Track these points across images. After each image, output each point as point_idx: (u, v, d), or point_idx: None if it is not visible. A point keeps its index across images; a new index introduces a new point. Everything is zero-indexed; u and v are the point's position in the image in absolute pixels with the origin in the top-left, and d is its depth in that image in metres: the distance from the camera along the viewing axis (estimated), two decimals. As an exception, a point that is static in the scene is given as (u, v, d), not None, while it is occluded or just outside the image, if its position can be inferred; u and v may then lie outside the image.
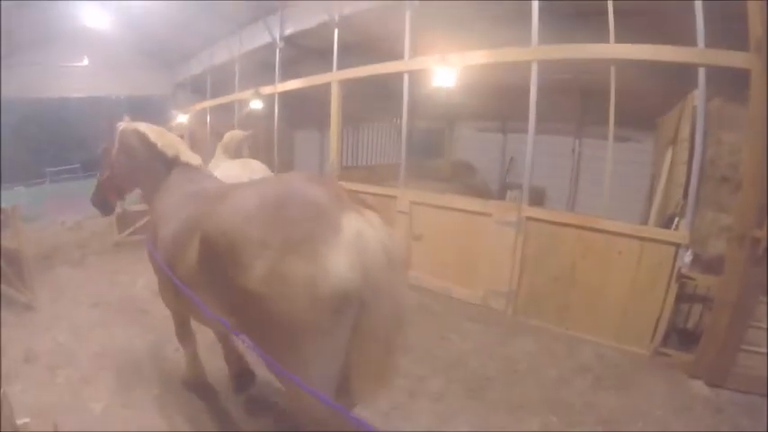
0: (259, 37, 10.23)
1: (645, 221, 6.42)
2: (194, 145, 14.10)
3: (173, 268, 2.87)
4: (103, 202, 4.27)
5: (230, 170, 6.35)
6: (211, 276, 2.45)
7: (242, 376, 4.06)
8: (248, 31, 10.75)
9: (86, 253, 8.59)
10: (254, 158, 7.22)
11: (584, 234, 5.23)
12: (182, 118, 14.07)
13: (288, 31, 9.41)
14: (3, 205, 6.47)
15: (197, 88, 14.67)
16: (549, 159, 7.95)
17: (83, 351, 5.00)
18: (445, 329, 5.32)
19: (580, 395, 4.13)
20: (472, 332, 5.31)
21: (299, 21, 8.99)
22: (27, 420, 3.65)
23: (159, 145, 3.72)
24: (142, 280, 6.46)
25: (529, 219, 5.57)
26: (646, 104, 7.36)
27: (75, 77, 14.71)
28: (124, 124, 3.98)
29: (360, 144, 13.76)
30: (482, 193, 9.81)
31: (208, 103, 13.45)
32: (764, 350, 4.28)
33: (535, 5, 5.48)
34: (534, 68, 5.52)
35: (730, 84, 4.82)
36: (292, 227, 2.09)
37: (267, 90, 9.92)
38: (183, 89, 15.98)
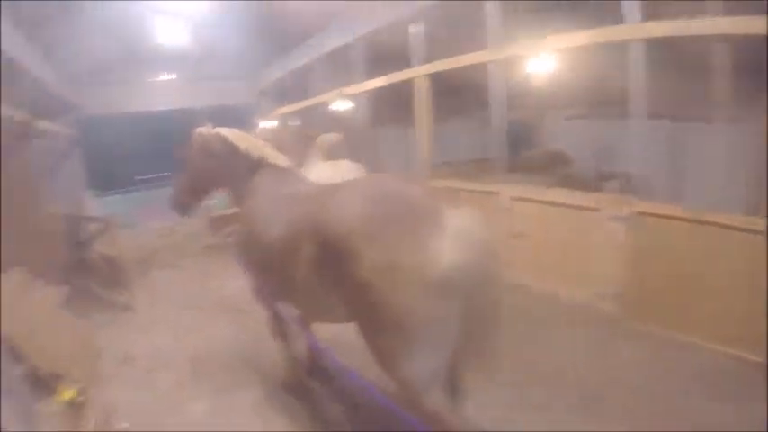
0: (337, 37, 10.29)
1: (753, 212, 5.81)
2: (281, 149, 14.45)
3: (281, 268, 3.01)
4: (182, 205, 4.35)
5: (322, 172, 6.27)
6: (325, 271, 2.61)
7: (314, 373, 4.29)
8: (326, 33, 10.81)
9: (180, 256, 8.89)
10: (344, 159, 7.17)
11: (697, 229, 4.67)
12: (267, 123, 14.43)
13: (365, 30, 9.34)
14: (101, 214, 6.81)
15: (279, 94, 14.94)
16: (646, 145, 7.43)
17: (180, 353, 5.14)
18: (549, 335, 4.97)
19: (695, 407, 3.69)
20: (578, 337, 4.91)
21: (376, 18, 8.89)
22: (127, 425, 3.76)
23: (242, 147, 3.80)
24: (235, 282, 6.44)
25: (640, 213, 5.02)
26: (753, 81, 6.71)
27: (161, 91, 15.99)
28: (203, 129, 4.05)
29: (444, 139, 13.49)
30: (579, 183, 9.31)
31: (291, 108, 13.62)
32: None
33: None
34: (637, 48, 5.03)
35: None
36: (401, 221, 2.29)
37: (351, 90, 9.88)
38: (265, 96, 16.35)
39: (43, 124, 9.68)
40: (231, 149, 3.83)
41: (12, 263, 5.33)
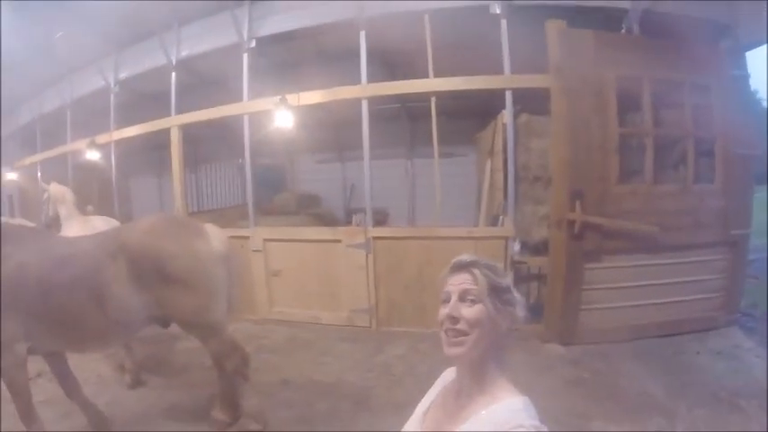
0: (90, 81, 9.63)
1: (477, 224, 7.35)
2: (27, 204, 12.54)
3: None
4: None
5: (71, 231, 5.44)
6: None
7: None
8: (79, 75, 9.99)
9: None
10: (95, 212, 6.66)
11: (426, 243, 5.88)
12: (11, 175, 12.23)
13: (122, 75, 9.02)
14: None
15: (26, 140, 12.98)
16: (386, 182, 8.68)
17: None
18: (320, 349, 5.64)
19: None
20: (343, 350, 5.62)
21: (135, 64, 8.73)
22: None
23: None
24: None
25: (376, 238, 6.06)
26: (466, 124, 8.47)
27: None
28: None
29: (202, 187, 13.75)
30: (329, 220, 10.33)
31: (38, 157, 11.82)
32: (599, 306, 5.34)
33: (363, 50, 6.17)
34: (365, 105, 6.13)
35: (534, 100, 5.86)
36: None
37: (103, 139, 9.11)
38: (11, 142, 14.10)
39: None
40: None
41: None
